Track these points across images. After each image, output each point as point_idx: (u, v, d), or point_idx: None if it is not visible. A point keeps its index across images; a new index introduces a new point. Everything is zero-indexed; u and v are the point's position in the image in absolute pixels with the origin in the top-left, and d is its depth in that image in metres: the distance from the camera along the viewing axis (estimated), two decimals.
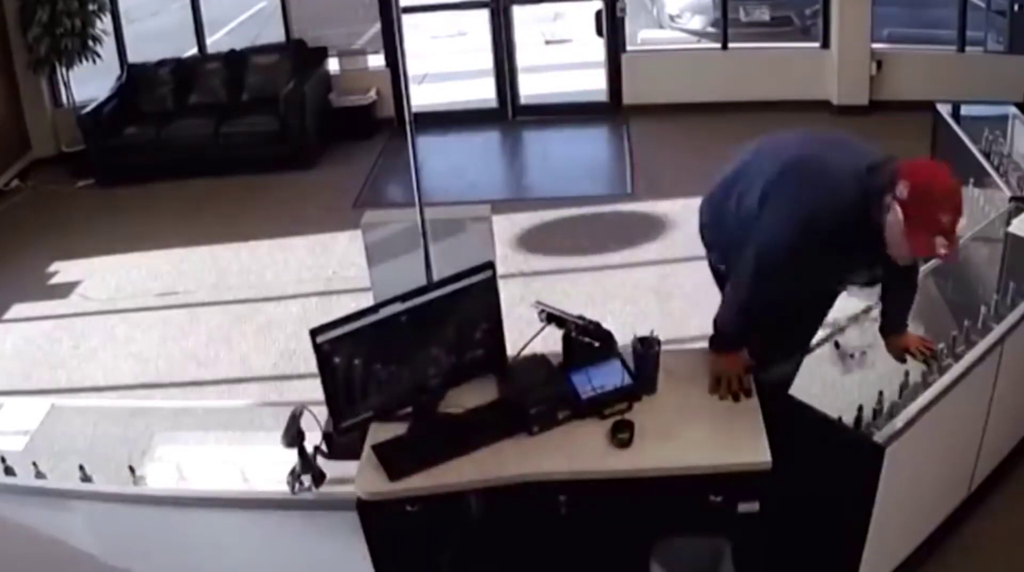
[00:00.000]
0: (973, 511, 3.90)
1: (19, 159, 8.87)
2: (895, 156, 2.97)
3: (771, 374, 3.32)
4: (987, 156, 4.98)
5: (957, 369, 3.42)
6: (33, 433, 3.69)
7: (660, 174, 7.79)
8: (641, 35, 10.13)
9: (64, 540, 3.43)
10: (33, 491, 3.37)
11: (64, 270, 7.05)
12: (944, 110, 5.61)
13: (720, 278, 3.63)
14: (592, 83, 9.33)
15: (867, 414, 3.23)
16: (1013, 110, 5.40)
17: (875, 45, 8.45)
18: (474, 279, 3.17)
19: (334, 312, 3.32)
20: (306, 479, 3.14)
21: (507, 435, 3.06)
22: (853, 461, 3.17)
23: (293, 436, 3.09)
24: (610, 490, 2.96)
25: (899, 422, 3.18)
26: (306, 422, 3.11)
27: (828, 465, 3.22)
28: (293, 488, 3.14)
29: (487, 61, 9.25)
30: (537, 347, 3.30)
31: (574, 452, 3.00)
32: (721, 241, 3.48)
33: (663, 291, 6.05)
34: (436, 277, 4.00)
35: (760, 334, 3.26)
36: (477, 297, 3.18)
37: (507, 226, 6.72)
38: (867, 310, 3.66)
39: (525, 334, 3.30)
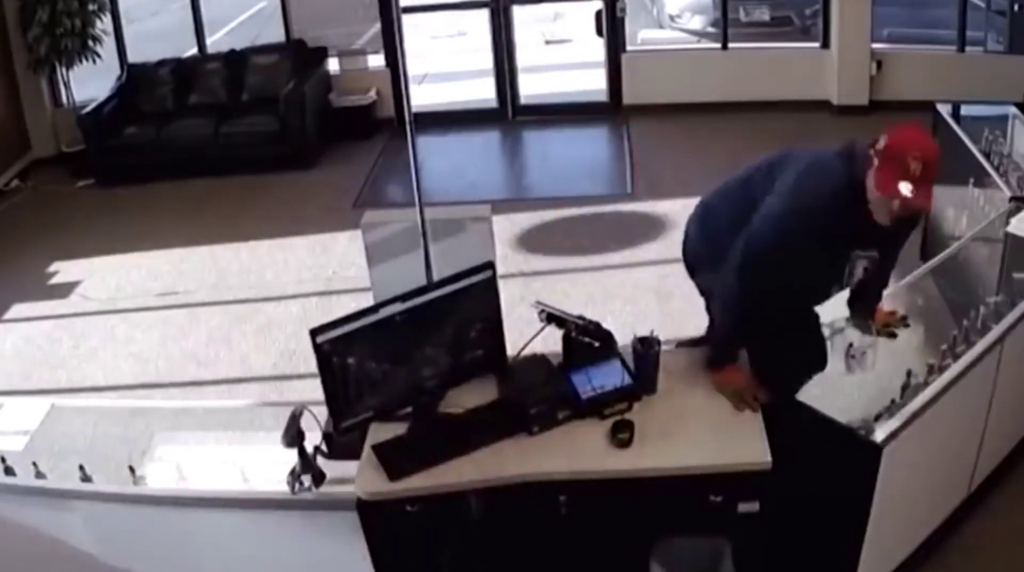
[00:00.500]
0: (973, 511, 3.90)
1: (19, 159, 8.87)
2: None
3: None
4: (987, 156, 4.98)
5: (956, 368, 3.42)
6: (33, 433, 3.69)
7: (660, 174, 7.79)
8: (641, 35, 10.13)
9: (64, 540, 3.43)
10: (33, 491, 3.37)
11: (64, 270, 7.05)
12: (944, 110, 5.61)
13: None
14: (592, 83, 9.33)
15: (867, 414, 3.23)
16: (1013, 110, 5.39)
17: (875, 45, 8.45)
18: (474, 279, 3.17)
19: (334, 312, 3.32)
20: (306, 479, 3.14)
21: (507, 435, 3.06)
22: (851, 461, 3.17)
23: (293, 436, 3.09)
24: (610, 490, 2.96)
25: (897, 421, 3.18)
26: (306, 422, 3.11)
27: (826, 465, 3.21)
28: (293, 488, 3.14)
29: (487, 61, 9.25)
30: (537, 347, 3.30)
31: (574, 452, 3.00)
32: (711, 256, 3.35)
33: (663, 291, 6.04)
34: (436, 277, 4.01)
35: (768, 354, 3.21)
36: (477, 297, 3.18)
37: (507, 226, 6.72)
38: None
39: (525, 334, 3.30)
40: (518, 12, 9.08)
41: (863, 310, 3.41)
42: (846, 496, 3.23)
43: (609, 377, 3.14)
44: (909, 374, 3.39)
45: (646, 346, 3.18)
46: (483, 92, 9.36)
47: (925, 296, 4.18)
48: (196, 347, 5.92)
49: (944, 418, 3.39)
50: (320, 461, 3.19)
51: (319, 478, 3.15)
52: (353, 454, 3.09)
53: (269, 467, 3.21)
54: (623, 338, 3.27)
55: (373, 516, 3.02)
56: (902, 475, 3.26)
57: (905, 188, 2.89)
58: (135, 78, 8.81)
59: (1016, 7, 8.28)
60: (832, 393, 3.35)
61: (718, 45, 8.93)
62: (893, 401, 3.29)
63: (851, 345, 3.47)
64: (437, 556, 3.12)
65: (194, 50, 9.26)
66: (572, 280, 6.27)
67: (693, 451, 2.98)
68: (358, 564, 3.13)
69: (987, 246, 4.48)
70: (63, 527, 3.40)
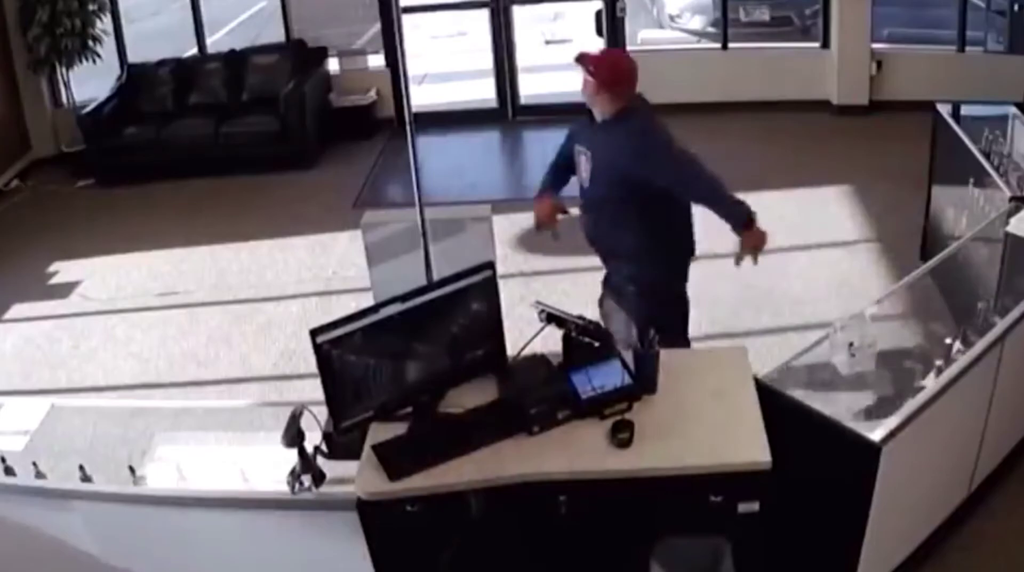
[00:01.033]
0: (973, 511, 3.90)
1: (19, 159, 8.87)
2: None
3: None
4: (987, 156, 4.98)
5: (956, 368, 3.42)
6: (33, 433, 3.69)
7: None
8: (641, 35, 10.12)
9: (64, 540, 3.43)
10: (33, 491, 3.37)
11: (64, 270, 7.05)
12: (944, 110, 5.61)
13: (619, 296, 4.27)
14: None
15: (866, 414, 3.23)
16: (1013, 110, 5.39)
17: (875, 45, 8.45)
18: (474, 279, 3.17)
19: (334, 312, 3.33)
20: (306, 479, 3.14)
21: (507, 435, 3.06)
22: (850, 460, 3.17)
23: (293, 436, 3.09)
24: (610, 490, 2.96)
25: (896, 421, 3.18)
26: (306, 422, 3.11)
27: (826, 465, 3.22)
28: (293, 488, 3.14)
29: (487, 61, 9.25)
30: (537, 347, 3.30)
31: (574, 452, 3.00)
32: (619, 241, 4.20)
33: None
34: (436, 277, 4.00)
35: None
36: (477, 297, 3.18)
37: (507, 226, 6.71)
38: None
39: (525, 334, 3.30)
40: (518, 12, 9.08)
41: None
42: (845, 496, 3.23)
43: (609, 377, 3.14)
44: (909, 374, 3.40)
45: (646, 346, 3.18)
46: (483, 92, 9.36)
47: (925, 296, 4.18)
48: (196, 347, 5.92)
49: (944, 418, 3.39)
50: (320, 461, 3.19)
51: (319, 478, 3.15)
52: (353, 454, 3.09)
53: (269, 467, 3.21)
54: None
55: (373, 516, 3.02)
56: (901, 475, 3.26)
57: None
58: (135, 78, 8.81)
59: (1016, 7, 8.28)
60: (832, 393, 3.36)
61: (718, 45, 8.93)
62: (892, 401, 3.29)
63: (851, 345, 3.47)
64: (437, 556, 3.12)
65: (194, 50, 9.27)
66: (572, 280, 6.26)
67: (693, 451, 2.98)
68: (358, 564, 3.13)
69: (987, 246, 4.48)
70: (63, 527, 3.40)
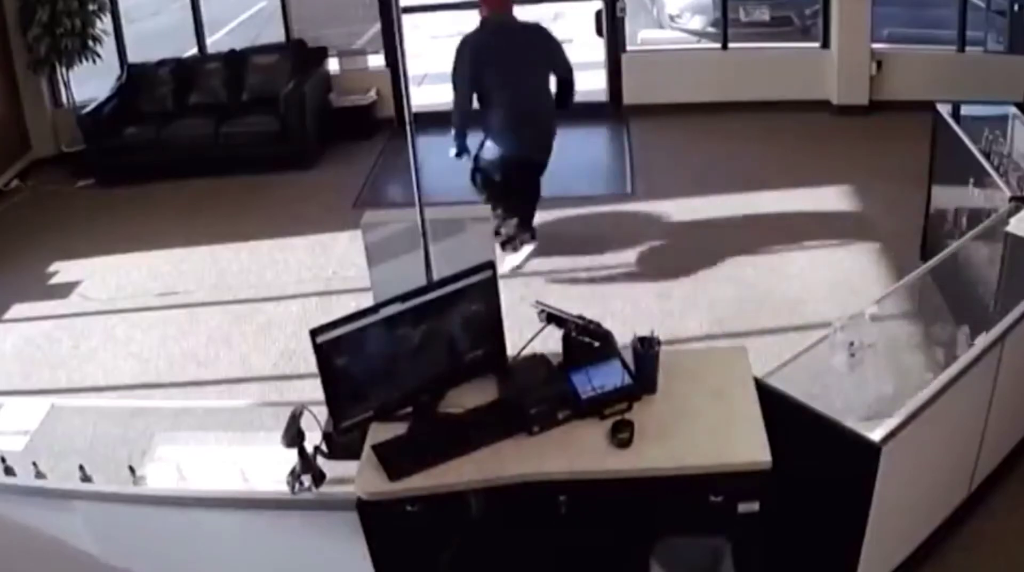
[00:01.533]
0: (973, 511, 3.90)
1: (19, 159, 8.87)
2: None
3: None
4: (987, 156, 4.98)
5: (956, 368, 3.42)
6: (33, 433, 3.69)
7: (660, 174, 7.79)
8: (641, 35, 10.12)
9: (64, 540, 3.43)
10: (33, 491, 3.37)
11: (64, 270, 7.05)
12: (944, 110, 5.61)
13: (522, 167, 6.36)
14: (592, 83, 9.32)
15: (866, 413, 3.23)
16: (1013, 110, 5.40)
17: (875, 45, 8.45)
18: (474, 279, 3.17)
19: (334, 312, 3.32)
20: (306, 479, 3.14)
21: (507, 435, 3.06)
22: (850, 460, 3.17)
23: (293, 436, 3.09)
24: (610, 490, 2.96)
25: (896, 421, 3.18)
26: (306, 422, 3.11)
27: (826, 465, 3.22)
28: (293, 488, 3.14)
29: None
30: (537, 347, 3.30)
31: (574, 452, 3.00)
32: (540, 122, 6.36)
33: (663, 291, 6.05)
34: (436, 277, 4.00)
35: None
36: (477, 297, 3.18)
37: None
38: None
39: (525, 334, 3.30)
40: (518, 12, 9.05)
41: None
42: (845, 496, 3.23)
43: (609, 377, 3.14)
44: (908, 374, 3.40)
45: (646, 346, 3.18)
46: None
47: (925, 296, 4.19)
48: (196, 347, 5.92)
49: (944, 418, 3.39)
50: (320, 461, 3.19)
51: (319, 478, 3.15)
52: (353, 454, 3.09)
53: (269, 467, 3.21)
54: (623, 338, 3.27)
55: (373, 516, 3.02)
56: (901, 475, 3.26)
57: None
58: (135, 78, 8.81)
59: (1016, 7, 8.28)
60: (832, 393, 3.36)
61: (718, 45, 8.93)
62: (892, 401, 3.29)
63: (851, 344, 3.47)
64: (437, 556, 3.12)
65: (194, 50, 9.26)
66: (572, 280, 6.27)
67: (693, 451, 2.97)
68: (358, 564, 3.13)
69: (987, 246, 4.48)
70: (63, 527, 3.40)
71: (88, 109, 8.45)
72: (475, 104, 6.33)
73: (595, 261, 6.52)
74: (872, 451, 3.10)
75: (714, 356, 3.52)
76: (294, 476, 3.14)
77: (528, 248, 6.33)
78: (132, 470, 3.38)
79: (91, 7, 8.61)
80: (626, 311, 5.78)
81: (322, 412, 3.13)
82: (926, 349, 3.73)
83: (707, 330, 5.60)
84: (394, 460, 2.99)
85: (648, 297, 5.99)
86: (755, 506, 2.93)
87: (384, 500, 2.96)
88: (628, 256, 6.54)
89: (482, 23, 6.30)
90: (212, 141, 8.38)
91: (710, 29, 9.96)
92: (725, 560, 3.03)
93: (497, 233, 6.06)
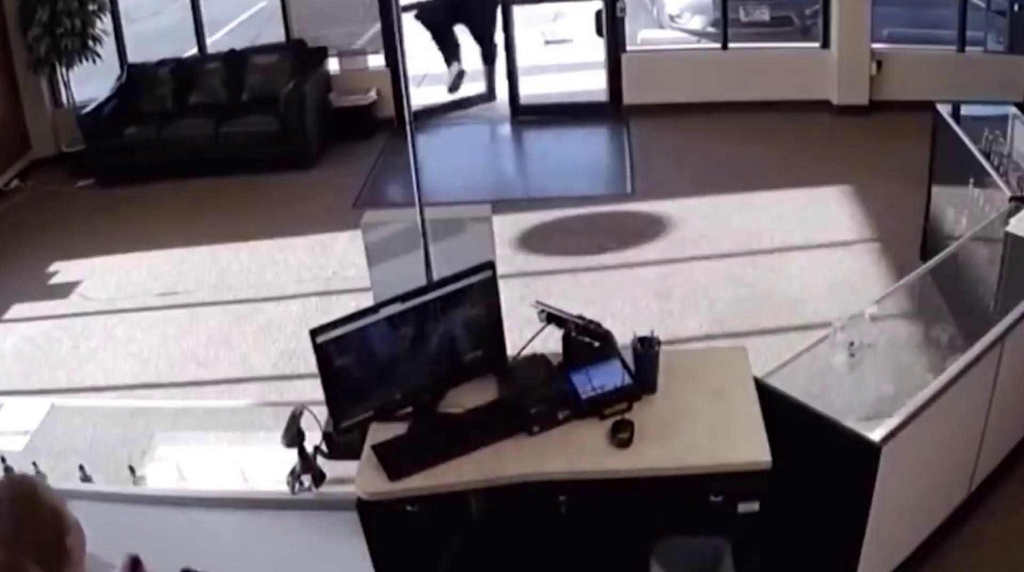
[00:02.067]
0: (973, 511, 3.90)
1: (19, 159, 8.87)
2: None
3: None
4: (987, 156, 4.98)
5: (956, 368, 3.42)
6: (33, 433, 3.69)
7: (660, 174, 7.79)
8: (641, 35, 10.12)
9: None
10: None
11: (64, 270, 7.05)
12: (944, 110, 5.61)
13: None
14: (592, 83, 9.33)
15: (866, 413, 3.23)
16: (1013, 110, 5.40)
17: (875, 45, 8.45)
18: (474, 279, 3.17)
19: (334, 312, 3.32)
20: (306, 479, 3.14)
21: (507, 435, 3.06)
22: (850, 460, 3.17)
23: (293, 436, 3.09)
24: (610, 490, 2.96)
25: (896, 421, 3.18)
26: (306, 422, 3.11)
27: (826, 465, 3.22)
28: (293, 488, 3.14)
29: None
30: (537, 347, 3.30)
31: (574, 452, 3.00)
32: None
33: (663, 291, 6.05)
34: (436, 277, 4.00)
35: None
36: (477, 297, 3.18)
37: (507, 226, 6.72)
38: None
39: (525, 334, 3.30)
40: (518, 12, 9.07)
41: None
42: (845, 496, 3.23)
43: (609, 377, 3.14)
44: (908, 374, 3.40)
45: (646, 346, 3.18)
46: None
47: (925, 296, 4.19)
48: (196, 347, 5.92)
49: (944, 418, 3.39)
50: (320, 461, 3.19)
51: (319, 478, 3.16)
52: (353, 454, 3.09)
53: (269, 467, 3.22)
54: (623, 338, 3.27)
55: (373, 516, 3.02)
56: (901, 475, 3.26)
57: None
58: (135, 78, 8.81)
59: (1016, 7, 8.28)
60: (832, 393, 3.36)
61: (718, 45, 8.93)
62: (892, 401, 3.29)
63: (851, 344, 3.47)
64: (437, 556, 3.12)
65: (194, 50, 9.26)
66: (572, 280, 6.27)
67: (693, 451, 2.98)
68: (358, 564, 3.13)
69: (987, 246, 4.48)
70: None
71: (88, 109, 8.45)
72: None
73: (595, 261, 6.52)
74: (872, 451, 3.10)
75: (714, 356, 3.52)
76: (294, 476, 3.15)
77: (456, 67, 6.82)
78: (132, 470, 3.38)
79: (91, 7, 8.61)
80: (626, 311, 5.78)
81: (322, 412, 3.13)
82: (926, 349, 3.72)
83: (707, 330, 5.60)
84: (394, 460, 2.99)
85: (648, 297, 5.99)
86: (755, 506, 2.93)
87: (384, 500, 2.96)
88: (628, 256, 6.54)
89: None
90: (212, 141, 8.37)
91: (710, 29, 9.95)
92: (725, 560, 3.03)
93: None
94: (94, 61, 8.74)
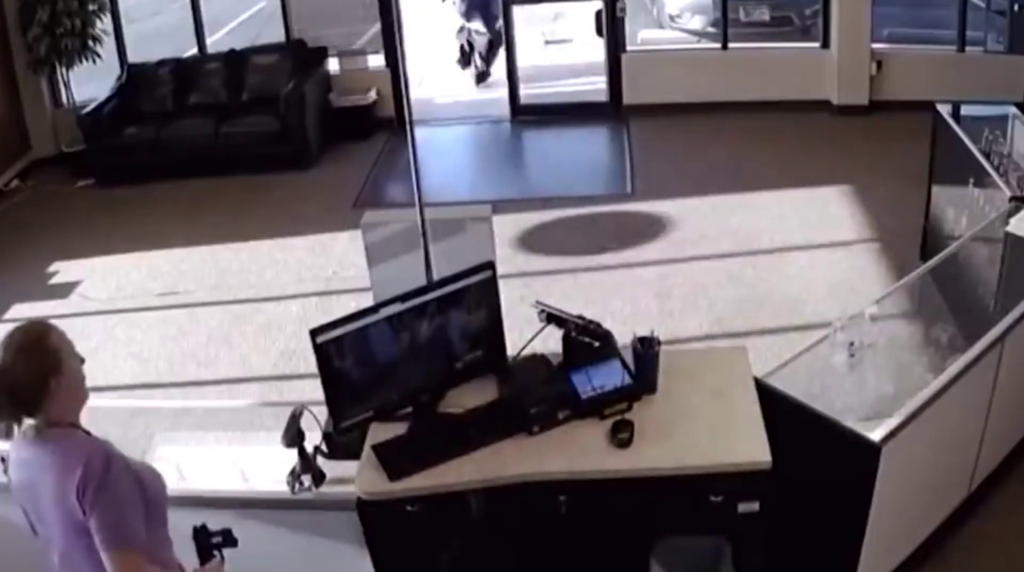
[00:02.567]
0: (973, 511, 3.90)
1: (19, 159, 8.87)
2: None
3: None
4: (987, 156, 4.98)
5: (956, 368, 3.42)
6: None
7: (660, 174, 7.79)
8: (641, 35, 10.12)
9: None
10: None
11: (64, 270, 7.05)
12: (944, 110, 5.61)
13: None
14: (592, 83, 9.33)
15: (866, 413, 3.23)
16: (1013, 110, 5.40)
17: (875, 45, 8.45)
18: (474, 279, 3.17)
19: (334, 312, 3.32)
20: (306, 479, 3.14)
21: (507, 435, 3.06)
22: (850, 460, 3.17)
23: (293, 436, 3.09)
24: (610, 490, 2.96)
25: (896, 421, 3.18)
26: (306, 422, 3.11)
27: (826, 464, 3.22)
28: (293, 488, 3.14)
29: None
30: (537, 347, 3.30)
31: (574, 452, 3.00)
32: None
33: (663, 291, 6.05)
34: (436, 277, 4.00)
35: None
36: (477, 297, 3.18)
37: (507, 226, 6.72)
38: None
39: (525, 334, 3.30)
40: (518, 12, 9.08)
41: None
42: (845, 496, 3.23)
43: (609, 377, 3.14)
44: (908, 374, 3.40)
45: (646, 346, 3.18)
46: (483, 92, 9.36)
47: (925, 296, 4.19)
48: (196, 347, 5.92)
49: (944, 418, 3.39)
50: (320, 461, 3.19)
51: (319, 478, 3.16)
52: (353, 454, 3.09)
53: (269, 467, 3.21)
54: (623, 338, 3.27)
55: (373, 516, 3.02)
56: (901, 475, 3.26)
57: None
58: (135, 78, 8.81)
59: (1016, 7, 8.28)
60: (832, 393, 3.36)
61: (718, 45, 8.93)
62: (892, 401, 3.29)
63: (851, 344, 3.47)
64: (437, 556, 3.12)
65: (194, 50, 9.27)
66: (572, 280, 6.27)
67: (693, 451, 2.97)
68: (358, 564, 3.13)
69: (987, 246, 4.48)
70: None
71: (88, 109, 8.45)
72: None
73: (595, 261, 6.52)
74: (872, 451, 3.10)
75: (714, 356, 3.52)
76: (294, 476, 3.15)
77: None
78: None
79: (91, 7, 8.62)
80: (626, 311, 5.78)
81: (322, 412, 3.13)
82: (926, 349, 3.72)
83: (707, 330, 5.60)
84: (394, 460, 2.99)
85: (648, 297, 5.99)
86: (755, 506, 2.93)
87: (384, 500, 2.96)
88: (628, 256, 6.54)
89: None
90: (212, 141, 8.37)
91: (710, 29, 9.94)
92: (725, 560, 3.03)
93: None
94: (94, 61, 8.75)
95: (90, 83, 8.98)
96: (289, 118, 8.33)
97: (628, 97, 9.00)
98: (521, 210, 7.26)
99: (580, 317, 3.27)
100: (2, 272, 7.05)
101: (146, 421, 3.79)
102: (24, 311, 6.54)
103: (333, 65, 9.12)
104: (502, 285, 3.26)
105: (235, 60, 8.86)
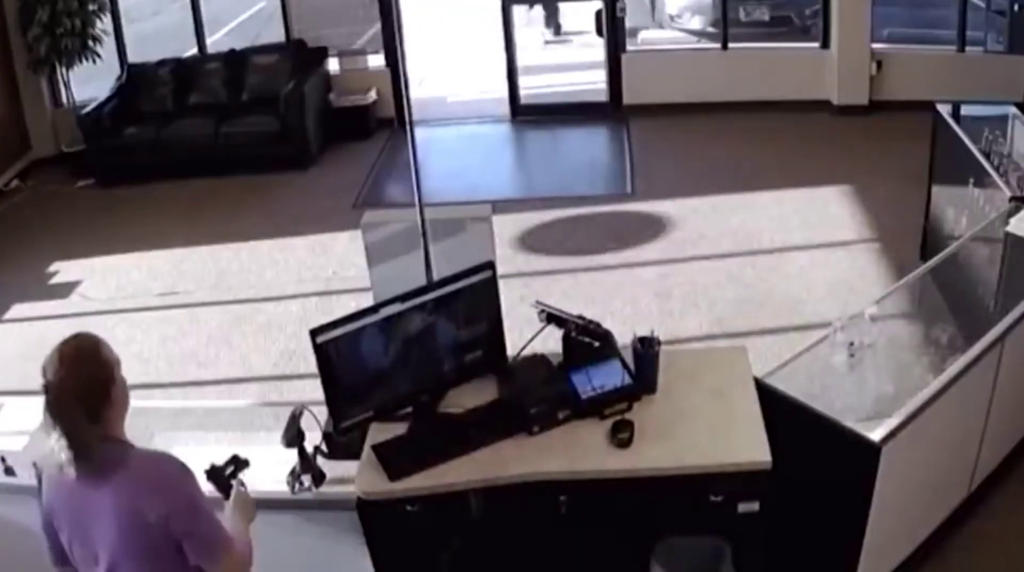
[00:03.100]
0: (973, 511, 3.90)
1: (19, 159, 8.87)
2: None
3: None
4: (987, 156, 4.98)
5: (956, 368, 3.42)
6: (33, 433, 3.68)
7: (660, 174, 7.79)
8: (641, 35, 10.12)
9: None
10: (33, 491, 3.36)
11: (64, 270, 7.05)
12: (944, 110, 5.61)
13: None
14: (592, 83, 9.33)
15: (866, 414, 3.23)
16: (1013, 110, 5.40)
17: (875, 45, 8.45)
18: (474, 279, 3.17)
19: (334, 312, 3.32)
20: (306, 479, 3.14)
21: (507, 435, 3.06)
22: (850, 460, 3.17)
23: (293, 436, 3.09)
24: (610, 490, 2.96)
25: (896, 421, 3.18)
26: (306, 422, 3.11)
27: (826, 465, 3.22)
28: (293, 488, 3.14)
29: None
30: (537, 347, 3.30)
31: (574, 452, 3.00)
32: None
33: (663, 291, 6.05)
34: (436, 277, 4.00)
35: None
36: (477, 297, 3.18)
37: (507, 226, 6.72)
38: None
39: (525, 334, 3.30)
40: (518, 12, 9.08)
41: None
42: (845, 496, 3.23)
43: (609, 377, 3.14)
44: (908, 374, 3.40)
45: (646, 346, 3.18)
46: (483, 92, 9.37)
47: (925, 296, 4.19)
48: (196, 347, 5.92)
49: (944, 418, 3.39)
50: (320, 461, 3.19)
51: (319, 478, 3.16)
52: (353, 454, 3.09)
53: (269, 467, 3.21)
54: (623, 338, 3.27)
55: (373, 516, 3.02)
56: (901, 475, 3.26)
57: None
58: (135, 78, 8.81)
59: (1016, 7, 8.28)
60: (832, 393, 3.36)
61: (718, 45, 8.94)
62: (892, 401, 3.29)
63: (851, 345, 3.47)
64: (437, 556, 3.12)
65: (194, 50, 9.27)
66: (572, 280, 6.27)
67: (693, 451, 2.97)
68: (358, 564, 3.13)
69: (987, 246, 4.48)
70: None
71: (88, 109, 8.45)
72: None
73: (595, 261, 6.52)
74: (872, 451, 3.10)
75: (714, 356, 3.52)
76: (294, 476, 3.15)
77: None
78: None
79: (91, 7, 8.61)
80: (626, 311, 5.78)
81: (322, 412, 3.13)
82: (926, 349, 3.72)
83: (707, 330, 5.60)
84: (394, 460, 2.99)
85: (648, 297, 5.99)
86: (755, 506, 2.93)
87: (384, 500, 2.96)
88: (628, 256, 6.54)
89: None
90: (212, 141, 8.37)
91: (710, 29, 9.95)
92: (725, 560, 3.03)
93: None
94: (94, 61, 8.74)
95: (90, 83, 8.99)
96: (289, 118, 8.33)
97: (628, 97, 9.00)
98: (521, 210, 7.26)
99: (580, 317, 3.27)
100: (2, 272, 7.05)
101: (146, 421, 3.78)
102: (24, 311, 6.54)
103: (333, 65, 9.12)
104: (502, 285, 3.26)
105: (235, 60, 8.86)
